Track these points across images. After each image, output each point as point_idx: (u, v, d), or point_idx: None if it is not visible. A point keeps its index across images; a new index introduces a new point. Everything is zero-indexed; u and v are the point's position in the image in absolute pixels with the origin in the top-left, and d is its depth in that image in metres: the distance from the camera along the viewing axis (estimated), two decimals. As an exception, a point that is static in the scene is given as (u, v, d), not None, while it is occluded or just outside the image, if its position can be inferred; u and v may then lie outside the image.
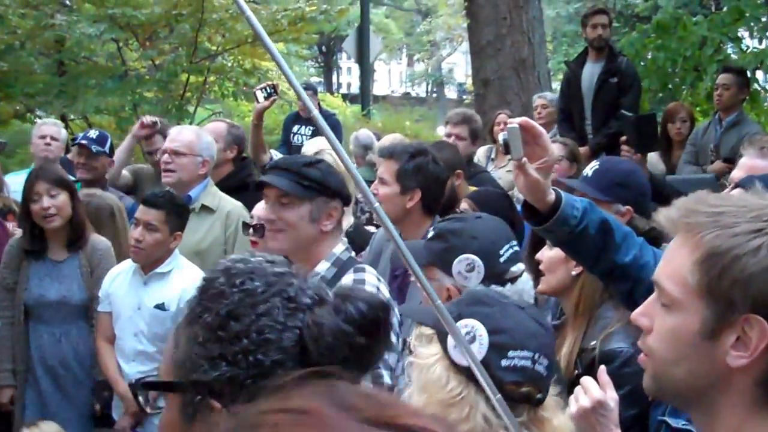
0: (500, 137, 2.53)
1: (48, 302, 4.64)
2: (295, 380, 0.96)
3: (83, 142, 5.83)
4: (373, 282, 3.12)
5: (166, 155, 4.99)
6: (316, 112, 1.77)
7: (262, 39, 1.72)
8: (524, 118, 2.38)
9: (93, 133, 6.11)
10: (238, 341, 1.46)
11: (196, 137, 5.04)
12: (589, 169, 3.70)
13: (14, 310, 4.58)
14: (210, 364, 1.48)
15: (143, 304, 4.44)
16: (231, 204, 5.02)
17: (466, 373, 1.88)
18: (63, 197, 4.59)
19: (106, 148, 5.84)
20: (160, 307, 4.41)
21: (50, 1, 11.75)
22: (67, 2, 11.74)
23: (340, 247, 3.23)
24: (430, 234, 2.89)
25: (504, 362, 1.93)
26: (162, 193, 4.62)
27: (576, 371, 2.85)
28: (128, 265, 4.55)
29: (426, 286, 1.73)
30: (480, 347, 1.92)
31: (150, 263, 4.46)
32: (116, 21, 11.26)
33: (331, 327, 1.44)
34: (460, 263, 2.80)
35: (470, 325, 1.95)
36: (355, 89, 34.46)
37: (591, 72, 7.71)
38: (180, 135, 5.07)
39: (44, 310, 4.65)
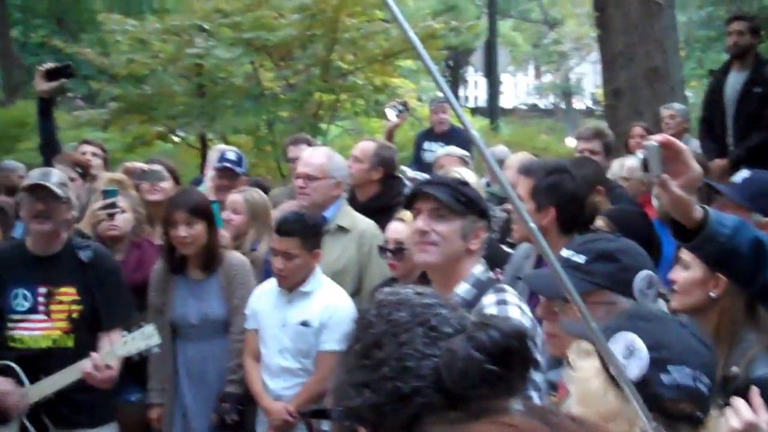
0: (639, 155, 2.49)
1: (192, 320, 4.80)
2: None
3: (228, 165, 6.01)
4: (515, 302, 3.10)
5: (300, 180, 5.08)
6: (460, 110, 1.76)
7: (411, 40, 1.73)
8: (663, 135, 2.33)
9: (232, 155, 6.24)
10: (380, 369, 1.50)
11: (327, 160, 5.12)
12: (739, 177, 3.61)
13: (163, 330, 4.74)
14: (356, 391, 1.52)
15: (287, 322, 4.54)
16: (365, 224, 5.08)
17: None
18: (199, 227, 4.73)
19: (244, 168, 6.02)
20: (304, 323, 4.51)
21: (190, 28, 12.17)
22: (206, 27, 12.09)
23: (479, 268, 3.23)
24: (580, 257, 2.80)
25: (664, 378, 1.90)
26: (293, 218, 4.66)
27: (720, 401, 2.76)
28: (273, 284, 4.66)
29: (582, 307, 1.71)
30: (639, 362, 1.90)
31: (294, 283, 4.56)
32: (252, 44, 11.57)
33: (462, 354, 1.45)
34: (642, 281, 2.72)
35: (629, 339, 1.93)
36: (481, 102, 34.34)
37: (734, 81, 7.48)
38: (312, 159, 5.16)
39: (189, 328, 4.81)
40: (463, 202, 3.14)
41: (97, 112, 13.45)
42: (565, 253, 2.83)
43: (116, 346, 4.15)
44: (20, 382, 4.15)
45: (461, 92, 41.75)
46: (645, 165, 2.31)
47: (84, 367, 4.07)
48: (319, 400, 4.50)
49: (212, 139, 13.80)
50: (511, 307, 3.04)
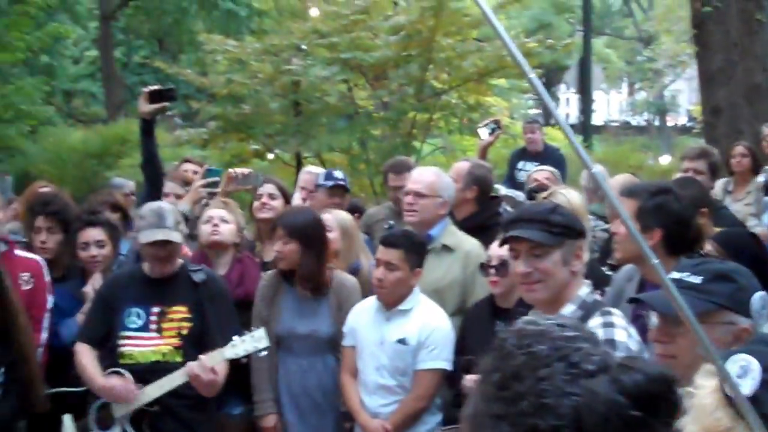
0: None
1: (297, 335, 4.83)
2: None
3: (340, 182, 6.07)
4: (621, 324, 3.04)
5: (409, 197, 5.09)
6: (569, 130, 1.74)
7: (515, 57, 1.71)
8: None
9: (339, 173, 6.34)
10: (518, 403, 1.45)
11: (437, 178, 5.13)
12: None
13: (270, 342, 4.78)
14: (492, 423, 1.48)
15: (385, 339, 4.54)
16: (470, 244, 5.06)
17: (737, 409, 1.81)
18: (292, 246, 4.78)
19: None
20: (402, 342, 4.49)
21: (287, 48, 12.34)
22: (303, 47, 12.26)
23: (585, 290, 3.18)
24: (696, 278, 2.73)
25: None
26: (400, 232, 4.74)
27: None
28: (372, 301, 4.67)
29: (698, 330, 1.66)
30: (751, 382, 1.85)
31: (392, 300, 4.56)
32: (347, 64, 11.67)
33: (604, 397, 1.40)
34: (758, 301, 2.68)
35: (745, 360, 1.89)
36: (573, 119, 33.96)
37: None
38: (422, 176, 5.18)
39: (294, 342, 4.84)
40: (557, 233, 3.09)
41: (197, 132, 13.73)
42: (677, 275, 2.76)
43: (225, 348, 4.22)
44: None
45: (553, 110, 41.28)
46: None
47: (190, 369, 4.16)
48: (416, 419, 4.48)
49: (307, 157, 13.98)
50: (617, 330, 2.98)
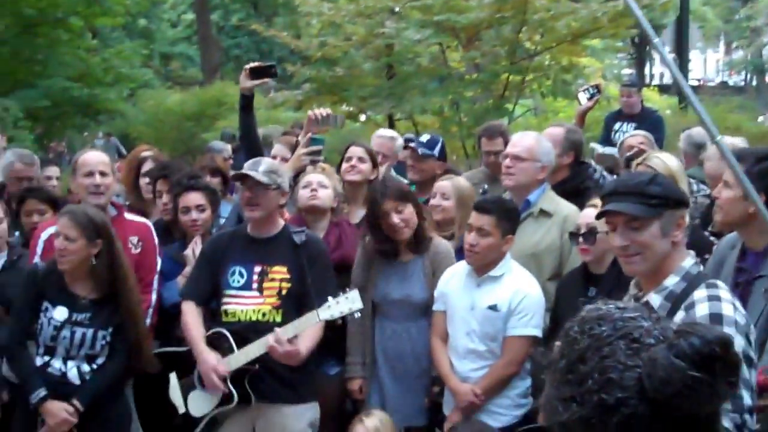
0: None
1: (392, 300, 4.82)
2: None
3: (412, 144, 5.99)
4: (728, 298, 2.92)
5: (507, 159, 5.03)
6: (690, 91, 1.67)
7: (635, 13, 1.64)
8: None
9: (424, 137, 6.27)
10: (585, 383, 1.53)
11: (536, 143, 5.05)
12: None
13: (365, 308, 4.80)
14: (563, 405, 1.55)
15: (476, 305, 4.50)
16: (568, 209, 4.96)
17: None
18: (409, 210, 4.76)
19: (435, 152, 5.98)
20: (493, 308, 4.45)
21: (381, 10, 12.28)
22: (397, 10, 12.19)
23: (689, 261, 3.06)
24: None
25: None
26: (493, 198, 4.68)
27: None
28: (462, 267, 4.63)
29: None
30: None
31: (483, 266, 4.52)
32: (441, 26, 11.56)
33: (662, 362, 1.46)
34: None
35: None
36: (667, 80, 33.09)
37: None
38: (521, 141, 5.11)
39: (389, 307, 4.84)
40: (655, 205, 2.98)
41: (291, 94, 13.83)
42: None
43: (320, 310, 4.23)
44: (230, 349, 4.33)
45: (647, 70, 40.38)
46: None
47: (268, 341, 4.20)
48: (505, 384, 4.46)
49: (399, 119, 13.94)
50: (724, 304, 2.86)
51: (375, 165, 5.64)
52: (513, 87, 12.43)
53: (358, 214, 5.36)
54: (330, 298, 4.24)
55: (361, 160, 5.59)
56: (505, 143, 5.76)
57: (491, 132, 6.34)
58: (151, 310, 4.82)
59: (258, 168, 4.41)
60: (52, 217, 4.97)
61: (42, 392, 4.20)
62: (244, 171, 4.43)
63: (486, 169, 6.31)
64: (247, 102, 5.79)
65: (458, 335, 4.56)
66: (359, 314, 4.33)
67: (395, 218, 4.73)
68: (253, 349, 4.27)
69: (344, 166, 5.59)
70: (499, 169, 5.44)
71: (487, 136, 6.32)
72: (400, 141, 6.62)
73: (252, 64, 5.82)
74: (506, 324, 4.45)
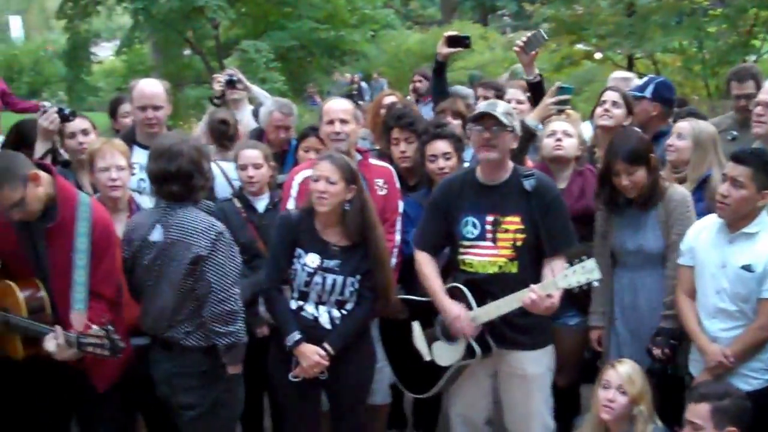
0: None
1: (627, 250, 4.61)
2: None
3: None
4: None
5: (759, 107, 4.65)
6: None
7: None
8: None
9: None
10: None
11: None
12: None
13: (604, 257, 4.61)
14: None
15: (728, 263, 4.18)
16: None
17: None
18: (640, 173, 4.49)
19: (647, 93, 5.64)
20: (746, 268, 4.12)
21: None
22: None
23: None
24: None
25: None
26: (751, 150, 4.32)
27: None
28: (713, 220, 4.32)
29: None
30: None
31: (736, 221, 4.19)
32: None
33: None
34: None
35: None
36: None
37: None
38: None
39: (625, 257, 4.64)
40: None
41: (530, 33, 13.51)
42: None
43: (558, 278, 4.07)
44: (468, 304, 4.27)
45: None
46: None
47: (525, 296, 4.08)
48: (759, 348, 4.14)
49: (639, 58, 13.32)
50: None
51: (630, 111, 5.38)
52: (762, 22, 11.53)
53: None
54: (568, 266, 4.07)
55: (615, 104, 5.35)
56: (758, 87, 5.38)
57: (741, 75, 5.91)
58: (396, 250, 4.84)
59: (496, 108, 4.25)
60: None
61: (297, 335, 4.30)
62: (483, 110, 4.27)
63: (735, 114, 5.89)
64: (440, 68, 6.17)
65: (708, 293, 4.27)
66: (597, 284, 4.12)
67: (624, 180, 4.51)
68: (506, 304, 4.18)
69: (598, 110, 5.38)
70: (749, 115, 5.09)
71: (737, 79, 5.90)
72: (635, 82, 6.30)
73: (450, 33, 6.12)
74: (761, 286, 4.10)
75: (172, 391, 4.19)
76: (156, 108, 5.08)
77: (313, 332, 4.34)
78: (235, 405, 4.29)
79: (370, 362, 4.61)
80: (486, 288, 4.27)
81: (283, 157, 5.95)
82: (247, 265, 4.59)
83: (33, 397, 4.21)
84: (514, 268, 4.27)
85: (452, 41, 5.95)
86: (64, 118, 4.98)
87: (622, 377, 4.18)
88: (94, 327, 3.69)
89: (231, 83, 6.95)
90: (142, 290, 4.19)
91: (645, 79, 6.04)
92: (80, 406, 4.30)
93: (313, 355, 4.31)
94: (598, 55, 14.05)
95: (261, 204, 5.09)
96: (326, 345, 4.33)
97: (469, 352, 4.31)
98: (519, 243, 4.27)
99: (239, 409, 4.36)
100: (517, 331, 4.32)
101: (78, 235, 3.86)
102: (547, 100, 5.08)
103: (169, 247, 4.05)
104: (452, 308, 4.28)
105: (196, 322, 4.07)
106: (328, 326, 4.37)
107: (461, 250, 4.36)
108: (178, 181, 4.08)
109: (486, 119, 4.21)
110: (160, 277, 4.09)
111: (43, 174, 3.91)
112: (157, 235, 4.10)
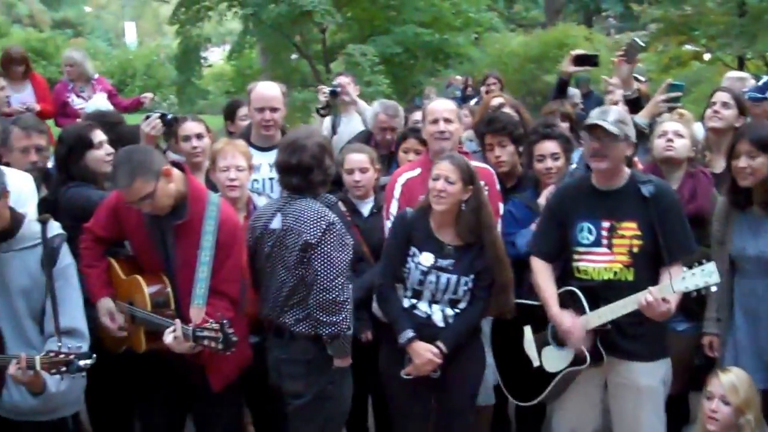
0: None
1: (747, 256, 4.44)
2: None
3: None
4: None
5: None
6: None
7: None
8: None
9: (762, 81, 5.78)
10: None
11: None
12: None
13: (723, 263, 4.47)
14: None
15: None
16: None
17: None
18: (761, 160, 4.33)
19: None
20: None
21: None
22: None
23: None
24: None
25: None
26: None
27: None
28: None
29: None
30: None
31: None
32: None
33: None
34: None
35: None
36: None
37: None
38: None
39: (744, 263, 4.47)
40: None
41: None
42: None
43: (675, 281, 3.97)
44: (581, 309, 4.19)
45: None
46: None
47: (641, 299, 3.99)
48: None
49: (750, 59, 12.93)
50: None
51: (742, 112, 5.23)
52: None
53: (720, 163, 4.99)
54: (685, 269, 3.95)
55: (725, 105, 5.21)
56: None
57: None
58: None
59: (607, 117, 4.16)
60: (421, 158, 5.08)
61: (410, 333, 4.31)
62: (593, 120, 4.19)
63: None
64: (563, 85, 6.04)
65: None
66: (716, 288, 3.99)
67: (743, 162, 4.34)
68: (620, 308, 4.09)
69: (707, 111, 5.24)
70: None
71: None
72: (751, 83, 6.11)
73: (577, 51, 5.97)
74: None
75: (280, 378, 4.26)
76: (273, 110, 5.20)
77: (426, 330, 4.34)
78: (340, 400, 4.29)
79: (481, 363, 4.58)
80: (601, 295, 4.18)
81: (390, 159, 6.00)
82: (351, 268, 4.52)
83: (149, 392, 4.36)
84: (629, 275, 4.18)
85: (579, 60, 5.80)
86: (167, 124, 5.11)
87: (724, 387, 4.06)
88: (210, 321, 3.76)
89: (334, 94, 7.01)
90: (262, 278, 4.29)
91: (765, 79, 5.83)
92: (197, 406, 4.40)
93: (426, 353, 4.30)
94: (707, 56, 13.70)
95: (366, 208, 5.13)
96: (439, 343, 4.32)
97: (579, 359, 4.24)
98: (635, 249, 4.17)
99: (345, 406, 4.36)
100: (630, 340, 4.21)
101: (204, 233, 3.97)
102: (658, 97, 4.98)
103: (284, 234, 4.13)
104: (565, 319, 4.21)
105: (305, 310, 4.13)
106: (441, 324, 4.37)
107: (575, 256, 4.29)
108: (298, 173, 4.19)
109: (596, 129, 4.16)
110: (277, 263, 4.17)
111: (176, 171, 4.03)
112: (276, 223, 4.20)
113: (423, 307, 4.40)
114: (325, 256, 4.05)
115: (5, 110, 7.15)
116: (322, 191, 4.29)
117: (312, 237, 4.05)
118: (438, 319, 4.38)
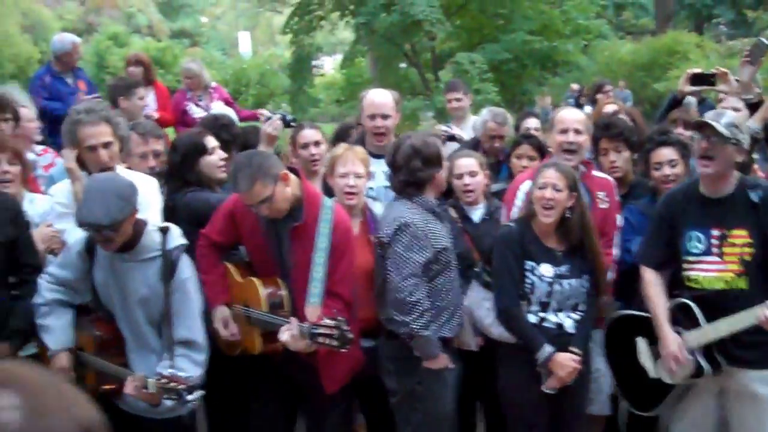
0: None
1: None
2: None
3: None
4: None
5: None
6: None
7: None
8: None
9: None
10: None
11: None
12: None
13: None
14: None
15: None
16: None
17: None
18: None
19: None
20: None
21: None
22: None
23: None
24: None
25: None
26: None
27: None
28: None
29: None
30: None
31: None
32: None
33: None
34: None
35: None
36: None
37: None
38: None
39: None
40: None
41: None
42: None
43: None
44: (695, 321, 4.05)
45: None
46: None
47: (759, 314, 3.80)
48: None
49: None
50: None
51: None
52: None
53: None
54: None
55: None
56: None
57: None
58: (614, 265, 4.68)
59: (720, 119, 4.00)
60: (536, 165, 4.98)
61: (549, 348, 4.20)
62: (705, 119, 4.03)
63: None
64: (674, 104, 5.69)
65: None
66: None
67: None
68: (739, 321, 3.91)
69: None
70: None
71: None
72: None
73: (694, 70, 5.68)
74: None
75: (380, 372, 4.34)
76: (385, 117, 5.18)
77: (558, 340, 4.25)
78: (434, 403, 4.24)
79: (587, 367, 4.46)
80: (715, 304, 4.01)
81: (498, 167, 5.93)
82: (462, 275, 4.50)
83: (264, 392, 4.42)
84: (743, 284, 4.00)
85: (696, 79, 5.54)
86: (287, 124, 5.20)
87: None
88: (326, 319, 3.73)
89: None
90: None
91: None
92: (308, 407, 4.44)
93: (570, 363, 4.22)
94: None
95: (476, 214, 5.00)
96: (575, 349, 4.25)
97: (698, 371, 4.08)
98: (747, 257, 3.99)
99: (443, 410, 4.29)
100: (744, 348, 4.03)
101: (319, 235, 4.00)
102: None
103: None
104: (671, 343, 4.09)
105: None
106: (572, 331, 4.29)
107: (686, 266, 4.14)
108: (396, 174, 4.32)
109: (706, 128, 4.00)
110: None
111: (292, 176, 4.08)
112: None
113: (552, 317, 4.31)
114: (396, 256, 4.11)
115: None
116: (413, 193, 4.29)
117: (385, 236, 4.16)
118: (569, 326, 4.30)
